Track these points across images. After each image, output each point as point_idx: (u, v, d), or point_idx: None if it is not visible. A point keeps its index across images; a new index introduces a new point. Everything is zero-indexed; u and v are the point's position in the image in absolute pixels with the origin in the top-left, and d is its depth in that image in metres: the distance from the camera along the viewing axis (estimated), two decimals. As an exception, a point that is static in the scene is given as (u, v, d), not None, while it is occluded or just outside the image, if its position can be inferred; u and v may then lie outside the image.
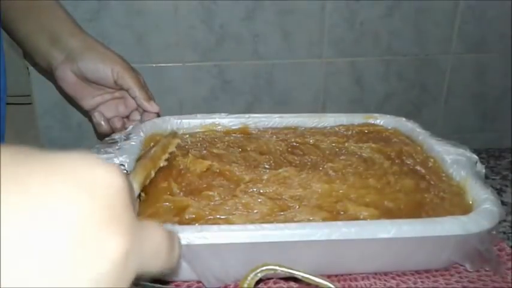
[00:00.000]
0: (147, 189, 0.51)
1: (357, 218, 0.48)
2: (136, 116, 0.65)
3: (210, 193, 0.51)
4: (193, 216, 0.47)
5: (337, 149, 0.61)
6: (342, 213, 0.49)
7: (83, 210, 0.18)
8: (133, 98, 0.62)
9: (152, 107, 0.63)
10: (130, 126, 0.62)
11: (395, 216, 0.48)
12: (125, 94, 0.64)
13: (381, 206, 0.50)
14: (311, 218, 0.48)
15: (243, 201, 0.50)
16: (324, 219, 0.48)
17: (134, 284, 0.40)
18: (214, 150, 0.59)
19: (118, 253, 0.19)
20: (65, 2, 0.79)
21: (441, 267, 0.50)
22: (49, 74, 0.64)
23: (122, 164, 0.51)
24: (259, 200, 0.50)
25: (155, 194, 0.50)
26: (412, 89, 1.42)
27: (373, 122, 0.69)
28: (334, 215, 0.49)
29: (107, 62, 0.61)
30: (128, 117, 0.66)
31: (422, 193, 0.53)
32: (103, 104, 0.65)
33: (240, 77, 1.28)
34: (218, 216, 0.47)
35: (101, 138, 0.64)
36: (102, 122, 0.64)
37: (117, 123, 0.64)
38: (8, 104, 0.74)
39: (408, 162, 0.59)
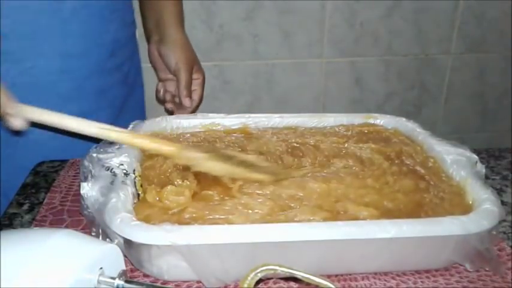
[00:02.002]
0: (145, 190, 0.51)
1: (356, 218, 0.48)
2: (186, 102, 0.76)
3: (210, 193, 0.51)
4: (193, 216, 0.47)
5: (337, 149, 0.61)
6: (342, 213, 0.49)
7: None
8: (178, 89, 0.76)
9: (184, 101, 0.76)
10: (131, 126, 0.62)
11: (395, 216, 0.48)
12: None
13: (380, 206, 0.50)
14: (311, 218, 0.48)
15: (243, 201, 0.50)
16: (324, 219, 0.48)
17: (133, 283, 0.40)
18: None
19: None
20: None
21: (441, 267, 0.50)
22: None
23: (121, 164, 0.51)
24: (259, 200, 0.50)
25: (154, 194, 0.50)
26: (412, 89, 1.42)
27: (373, 122, 0.69)
28: (334, 215, 0.49)
29: (176, 54, 0.77)
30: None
31: (422, 193, 0.53)
32: (169, 80, 0.81)
33: (240, 77, 1.28)
34: (218, 216, 0.47)
35: (159, 102, 0.82)
36: (161, 90, 0.81)
37: (168, 97, 0.80)
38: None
39: (408, 163, 0.59)
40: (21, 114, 0.52)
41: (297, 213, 0.48)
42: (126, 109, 0.83)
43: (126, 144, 0.54)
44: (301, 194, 0.51)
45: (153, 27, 0.81)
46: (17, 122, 0.52)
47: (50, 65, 0.71)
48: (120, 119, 0.77)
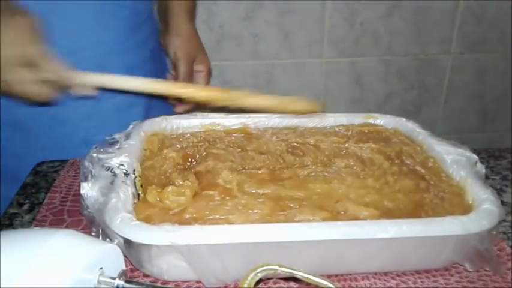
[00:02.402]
0: (146, 190, 0.51)
1: (357, 218, 0.48)
2: None
3: (210, 193, 0.51)
4: (193, 216, 0.47)
5: (337, 149, 0.61)
6: (342, 213, 0.49)
7: None
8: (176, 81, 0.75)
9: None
10: (131, 126, 0.62)
11: (395, 216, 0.48)
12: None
13: (380, 206, 0.50)
14: (311, 218, 0.48)
15: (243, 201, 0.50)
16: (324, 219, 0.48)
17: (133, 283, 0.40)
18: (214, 151, 0.59)
19: None
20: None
21: (441, 267, 0.50)
22: None
23: (121, 164, 0.51)
24: (259, 200, 0.50)
25: (154, 194, 0.50)
26: (412, 89, 1.42)
27: (373, 122, 0.69)
28: (334, 215, 0.49)
29: (176, 43, 0.77)
30: None
31: (422, 193, 0.53)
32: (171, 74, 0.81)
33: (240, 77, 1.28)
34: (218, 216, 0.47)
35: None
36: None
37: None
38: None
39: (408, 163, 0.59)
40: (87, 82, 0.57)
41: (297, 213, 0.48)
42: None
43: (176, 96, 0.60)
44: (301, 194, 0.51)
45: (161, 18, 0.81)
46: (86, 90, 0.57)
47: (70, 42, 0.68)
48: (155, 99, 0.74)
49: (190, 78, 0.77)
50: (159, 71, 0.81)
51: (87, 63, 0.66)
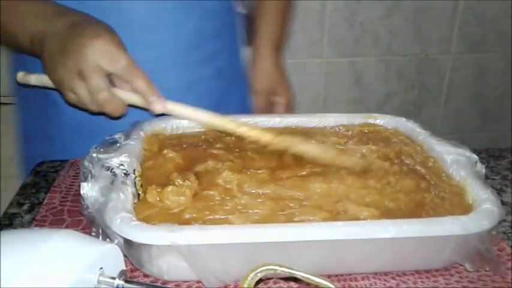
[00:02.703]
0: (146, 190, 0.51)
1: (357, 218, 0.48)
2: None
3: (210, 193, 0.51)
4: (193, 216, 0.47)
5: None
6: (342, 213, 0.49)
7: None
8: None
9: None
10: (130, 126, 0.61)
11: (395, 217, 0.48)
12: None
13: (381, 206, 0.50)
14: (311, 218, 0.48)
15: (243, 201, 0.50)
16: (324, 219, 0.48)
17: (133, 283, 0.40)
18: (214, 151, 0.59)
19: None
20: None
21: (441, 267, 0.50)
22: None
23: (121, 164, 0.51)
24: (259, 200, 0.50)
25: (154, 194, 0.50)
26: (412, 89, 1.42)
27: (373, 122, 0.69)
28: (334, 215, 0.49)
29: (253, 77, 0.81)
30: None
31: (423, 193, 0.53)
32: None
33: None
34: (218, 216, 0.47)
35: None
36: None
37: None
38: (8, 104, 0.75)
39: (408, 162, 0.59)
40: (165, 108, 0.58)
41: (297, 213, 0.48)
42: (226, 106, 0.77)
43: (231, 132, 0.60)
44: (301, 194, 0.51)
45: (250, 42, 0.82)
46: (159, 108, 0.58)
47: (132, 56, 0.66)
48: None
49: (266, 111, 0.78)
50: (226, 90, 0.79)
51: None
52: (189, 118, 0.61)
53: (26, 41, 0.59)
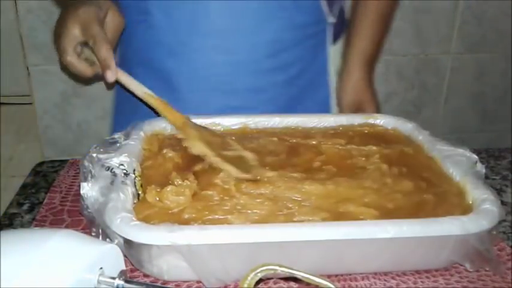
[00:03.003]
0: (145, 190, 0.51)
1: (356, 219, 0.48)
2: None
3: (209, 193, 0.51)
4: (192, 216, 0.47)
5: (337, 150, 0.61)
6: (341, 213, 0.49)
7: None
8: None
9: None
10: (130, 126, 0.62)
11: (395, 217, 0.48)
12: None
13: (380, 207, 0.50)
14: (311, 218, 0.48)
15: (242, 201, 0.50)
16: (324, 219, 0.48)
17: (133, 283, 0.40)
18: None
19: None
20: None
21: (441, 267, 0.50)
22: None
23: (121, 164, 0.51)
24: (258, 201, 0.50)
25: (154, 194, 0.50)
26: (412, 89, 1.42)
27: (373, 122, 0.69)
28: (334, 215, 0.49)
29: (340, 90, 0.80)
30: None
31: (422, 193, 0.53)
32: None
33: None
34: (217, 216, 0.47)
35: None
36: None
37: None
38: (8, 104, 0.76)
39: (408, 163, 0.59)
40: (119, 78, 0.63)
41: (297, 213, 0.48)
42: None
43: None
44: (300, 195, 0.51)
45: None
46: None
47: (205, 59, 0.70)
48: None
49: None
50: (296, 97, 0.78)
51: (215, 79, 0.71)
52: (134, 91, 0.64)
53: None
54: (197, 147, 0.57)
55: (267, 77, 0.74)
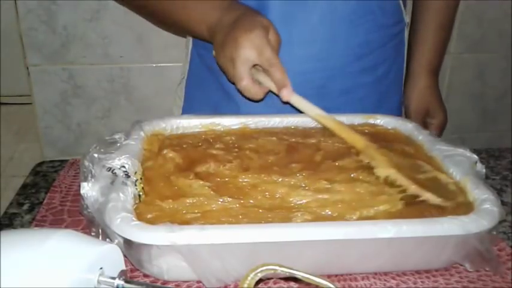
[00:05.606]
0: (147, 191, 0.51)
1: (356, 219, 0.48)
2: None
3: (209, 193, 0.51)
4: (192, 216, 0.47)
5: (337, 150, 0.61)
6: (341, 213, 0.49)
7: None
8: None
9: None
10: (131, 126, 0.62)
11: (395, 217, 0.48)
12: None
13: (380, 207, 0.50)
14: (310, 218, 0.48)
15: (242, 201, 0.50)
16: (324, 220, 0.48)
17: (133, 283, 0.40)
18: (213, 151, 0.59)
19: None
20: (66, 2, 0.78)
21: (441, 267, 0.50)
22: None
23: (122, 164, 0.51)
24: (257, 200, 0.50)
25: (155, 195, 0.50)
26: (412, 89, 1.42)
27: (373, 122, 0.69)
28: (333, 216, 0.49)
29: (408, 97, 0.83)
30: None
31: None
32: None
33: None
34: (213, 216, 0.47)
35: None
36: None
37: None
38: (8, 104, 0.76)
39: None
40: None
41: (297, 213, 0.48)
42: (385, 107, 0.79)
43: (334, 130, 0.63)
44: (299, 197, 0.51)
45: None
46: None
47: (293, 67, 0.68)
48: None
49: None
50: (386, 93, 0.80)
51: (308, 85, 0.71)
52: (306, 113, 0.66)
53: (202, 29, 0.68)
54: (389, 175, 0.55)
55: (357, 78, 0.76)
